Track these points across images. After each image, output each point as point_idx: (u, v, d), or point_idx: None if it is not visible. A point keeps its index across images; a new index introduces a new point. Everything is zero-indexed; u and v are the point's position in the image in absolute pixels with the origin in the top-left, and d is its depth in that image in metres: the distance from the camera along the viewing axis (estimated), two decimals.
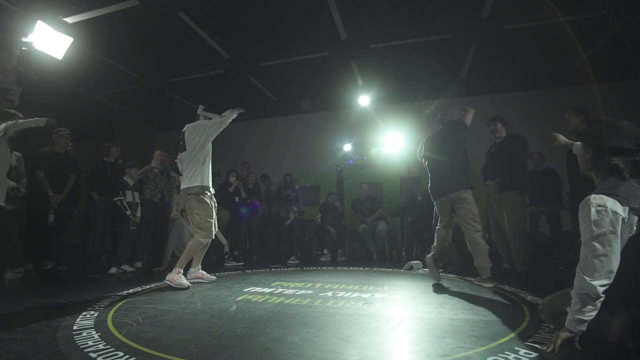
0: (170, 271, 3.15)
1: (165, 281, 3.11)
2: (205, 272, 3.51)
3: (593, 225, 1.37)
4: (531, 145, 3.61)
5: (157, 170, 4.48)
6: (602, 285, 1.36)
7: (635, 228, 1.37)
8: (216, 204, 3.45)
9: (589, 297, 1.38)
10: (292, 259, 5.46)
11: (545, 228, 4.92)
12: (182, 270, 3.16)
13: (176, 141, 3.46)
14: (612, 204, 1.35)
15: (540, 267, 3.50)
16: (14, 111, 3.12)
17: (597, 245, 1.36)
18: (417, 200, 5.59)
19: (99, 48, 4.88)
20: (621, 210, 1.35)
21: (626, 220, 1.36)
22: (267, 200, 6.54)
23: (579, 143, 1.66)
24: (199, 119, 3.45)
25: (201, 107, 3.48)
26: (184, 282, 3.07)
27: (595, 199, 1.38)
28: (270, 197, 6.60)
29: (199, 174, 3.25)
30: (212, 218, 3.31)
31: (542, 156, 4.84)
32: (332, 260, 5.57)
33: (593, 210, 1.37)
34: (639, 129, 1.47)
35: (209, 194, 3.32)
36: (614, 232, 1.34)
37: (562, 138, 2.28)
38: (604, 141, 1.44)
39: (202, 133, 3.28)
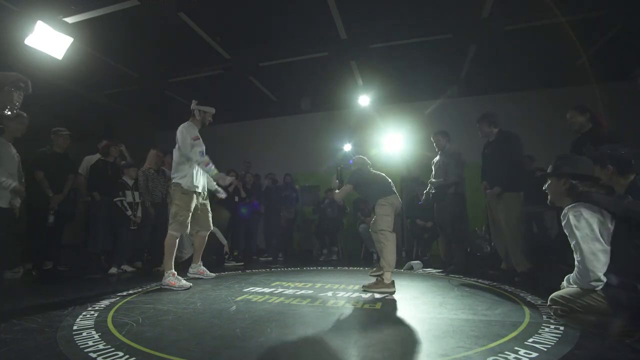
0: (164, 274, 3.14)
1: (163, 286, 3.07)
2: (205, 269, 3.66)
3: (575, 230, 1.62)
4: (526, 146, 3.60)
5: (153, 171, 4.47)
6: (599, 280, 1.59)
7: (611, 226, 1.60)
8: (204, 203, 3.50)
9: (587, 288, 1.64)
10: (279, 256, 5.62)
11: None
12: (175, 272, 3.14)
13: None
14: (583, 206, 1.62)
15: (539, 267, 3.49)
16: (19, 112, 3.12)
17: (583, 244, 1.59)
18: (421, 201, 5.56)
19: (99, 48, 4.88)
20: (593, 210, 1.60)
21: (602, 220, 1.60)
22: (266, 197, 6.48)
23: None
24: (192, 114, 3.46)
25: (194, 102, 3.48)
26: (183, 283, 3.06)
27: (570, 208, 1.66)
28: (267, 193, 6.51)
29: (188, 171, 3.32)
30: (189, 212, 3.30)
31: (531, 158, 4.84)
32: (329, 254, 5.63)
33: (570, 216, 1.64)
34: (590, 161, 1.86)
35: (196, 191, 3.36)
36: (593, 231, 1.58)
37: None
38: (583, 172, 1.76)
39: (180, 145, 3.34)
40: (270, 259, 5.75)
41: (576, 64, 5.44)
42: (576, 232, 1.61)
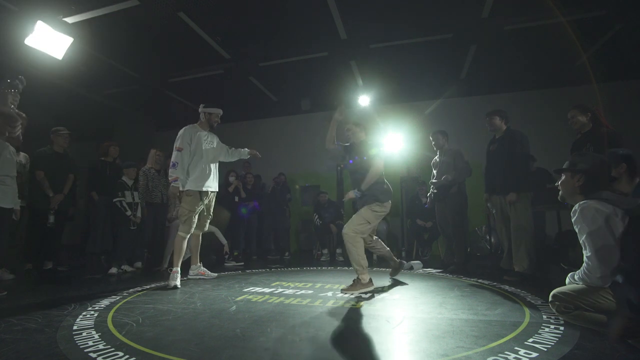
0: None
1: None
2: (206, 269, 3.69)
3: (585, 225, 1.60)
4: (532, 144, 3.57)
5: (154, 171, 4.48)
6: (607, 277, 1.58)
7: (622, 224, 1.58)
8: (207, 203, 3.54)
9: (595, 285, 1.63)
10: (286, 254, 5.74)
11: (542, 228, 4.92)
12: (177, 270, 3.20)
13: None
14: (595, 203, 1.61)
15: (539, 268, 3.48)
16: (17, 111, 3.12)
17: (593, 240, 1.57)
18: (422, 202, 5.55)
19: (99, 48, 4.87)
20: (604, 207, 1.58)
21: (613, 217, 1.57)
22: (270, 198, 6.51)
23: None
24: (200, 117, 3.60)
25: (202, 105, 3.62)
26: (171, 282, 3.09)
27: (581, 203, 1.65)
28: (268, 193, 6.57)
29: (191, 172, 3.40)
30: (195, 213, 3.38)
31: (532, 158, 4.83)
32: (331, 259, 5.59)
33: (581, 211, 1.63)
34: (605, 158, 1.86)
35: (202, 191, 3.41)
36: (603, 227, 1.57)
37: None
38: (599, 170, 1.75)
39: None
40: (277, 257, 5.90)
41: (576, 64, 5.44)
42: (586, 227, 1.60)
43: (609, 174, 1.76)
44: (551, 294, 1.82)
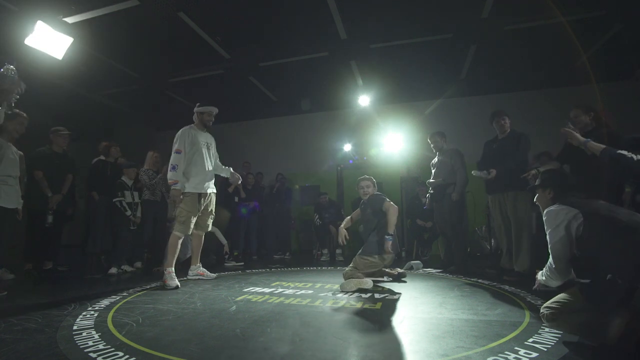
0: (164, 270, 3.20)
1: (161, 282, 3.13)
2: (205, 270, 3.67)
3: (547, 225, 1.77)
4: (532, 144, 3.58)
5: (152, 172, 4.50)
6: (561, 270, 1.75)
7: (577, 225, 1.69)
8: (208, 204, 3.52)
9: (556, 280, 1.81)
10: (279, 254, 5.85)
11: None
12: (172, 270, 3.17)
13: None
14: (557, 207, 1.78)
15: (540, 268, 3.48)
16: (18, 110, 3.12)
17: (551, 237, 1.74)
18: (422, 202, 5.54)
19: (99, 48, 4.87)
20: (565, 209, 1.73)
21: (578, 219, 1.68)
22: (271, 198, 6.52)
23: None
24: (193, 117, 3.58)
25: (198, 104, 3.58)
26: (173, 282, 3.08)
27: (547, 209, 1.84)
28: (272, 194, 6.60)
29: (191, 173, 3.38)
30: (193, 215, 3.34)
31: (549, 157, 4.81)
32: (331, 259, 5.60)
33: (546, 212, 1.81)
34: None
35: (200, 193, 3.40)
36: (561, 225, 1.70)
37: (577, 137, 2.57)
38: (565, 182, 1.96)
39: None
40: (282, 256, 5.98)
41: (576, 64, 5.44)
42: (547, 227, 1.77)
43: (572, 183, 1.99)
44: (543, 305, 1.85)
